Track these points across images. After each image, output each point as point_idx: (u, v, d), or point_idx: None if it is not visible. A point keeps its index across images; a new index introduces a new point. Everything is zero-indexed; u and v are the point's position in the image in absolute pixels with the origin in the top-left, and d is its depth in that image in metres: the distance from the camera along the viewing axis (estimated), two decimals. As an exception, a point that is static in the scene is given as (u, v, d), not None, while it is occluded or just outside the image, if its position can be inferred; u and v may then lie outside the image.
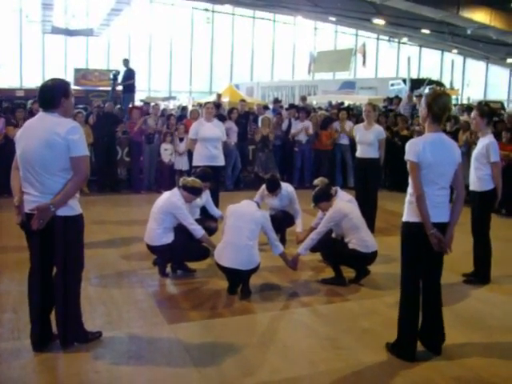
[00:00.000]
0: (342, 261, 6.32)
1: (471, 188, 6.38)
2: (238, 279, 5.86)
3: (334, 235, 6.58)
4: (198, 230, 6.26)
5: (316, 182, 7.12)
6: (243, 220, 5.86)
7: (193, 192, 6.43)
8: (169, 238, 6.25)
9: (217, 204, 7.98)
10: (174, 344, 4.68)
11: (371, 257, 6.28)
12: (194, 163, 8.71)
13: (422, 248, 4.35)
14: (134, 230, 8.20)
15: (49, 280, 4.37)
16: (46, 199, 4.12)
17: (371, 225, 8.54)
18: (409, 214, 4.40)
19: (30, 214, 4.15)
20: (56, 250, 4.27)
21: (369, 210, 8.58)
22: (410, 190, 4.41)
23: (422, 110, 4.44)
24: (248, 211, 5.99)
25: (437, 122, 4.38)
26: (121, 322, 5.09)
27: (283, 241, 7.58)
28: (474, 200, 6.40)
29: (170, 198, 6.34)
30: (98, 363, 4.28)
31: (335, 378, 4.18)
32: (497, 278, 6.47)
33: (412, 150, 4.31)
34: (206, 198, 7.26)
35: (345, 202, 6.59)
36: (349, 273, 6.36)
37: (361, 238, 6.21)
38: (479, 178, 6.31)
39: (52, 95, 4.22)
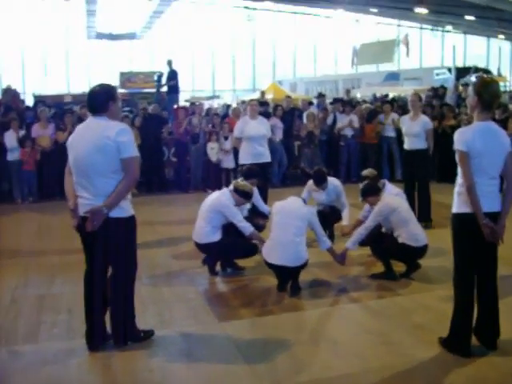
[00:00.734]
0: (391, 255, 6.25)
1: None
2: (287, 276, 5.86)
3: (383, 230, 6.52)
4: (247, 228, 6.28)
5: (365, 172, 7.05)
6: (290, 217, 5.85)
7: (244, 196, 6.45)
8: (217, 236, 6.30)
9: (265, 201, 7.99)
10: (225, 342, 4.71)
11: (422, 251, 6.19)
12: (240, 161, 8.75)
13: (474, 239, 4.24)
14: (182, 230, 8.27)
15: (104, 281, 4.45)
16: (98, 202, 4.21)
17: (427, 217, 8.42)
18: (459, 205, 4.30)
19: (85, 217, 4.25)
20: (110, 252, 4.35)
21: (423, 203, 8.47)
22: (459, 180, 4.31)
23: (471, 98, 4.30)
24: (294, 208, 5.98)
25: (486, 110, 4.26)
26: (172, 321, 5.16)
27: (331, 236, 7.53)
28: None
29: (220, 197, 6.39)
30: (152, 362, 4.34)
31: (388, 374, 4.13)
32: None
33: (461, 139, 4.22)
34: (254, 195, 7.28)
35: (393, 196, 6.52)
36: (399, 267, 6.28)
37: (410, 232, 6.12)
38: None
39: (100, 100, 4.32)
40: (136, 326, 4.62)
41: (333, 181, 7.70)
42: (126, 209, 4.37)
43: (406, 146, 8.78)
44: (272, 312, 5.38)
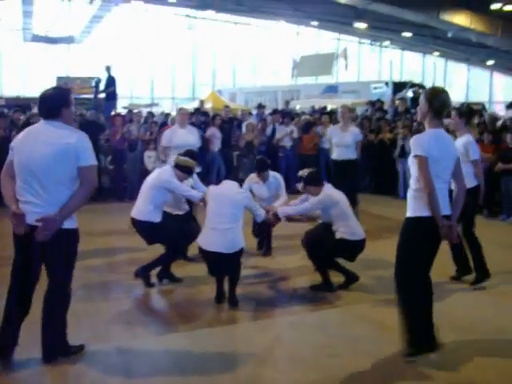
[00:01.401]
0: (331, 253, 6.22)
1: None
2: (223, 266, 5.76)
3: (320, 221, 6.52)
4: (195, 194, 6.22)
5: (301, 172, 7.01)
6: (224, 205, 5.76)
7: (185, 170, 6.37)
8: (157, 218, 6.17)
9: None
10: (162, 355, 4.60)
11: (360, 244, 6.22)
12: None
13: (430, 242, 4.41)
14: (118, 239, 8.11)
15: (31, 291, 4.26)
16: (51, 210, 4.01)
17: None
18: (417, 209, 4.41)
19: (33, 226, 4.02)
20: (53, 264, 4.18)
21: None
22: (414, 185, 4.45)
23: (422, 106, 4.50)
24: (229, 195, 5.85)
25: (437, 118, 4.47)
26: (107, 335, 5.00)
27: (268, 248, 7.53)
28: None
29: (161, 173, 6.30)
30: (86, 378, 4.19)
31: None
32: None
33: (419, 145, 4.37)
34: (194, 177, 7.14)
35: (335, 190, 6.46)
36: (338, 278, 6.31)
37: (349, 226, 6.16)
38: None
39: (52, 104, 4.14)
40: (66, 340, 4.45)
41: (274, 174, 7.66)
42: (75, 219, 4.23)
43: (336, 156, 8.95)
44: (210, 325, 5.30)
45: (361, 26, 30.76)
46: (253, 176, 7.58)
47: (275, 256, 7.46)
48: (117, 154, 12.24)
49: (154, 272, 6.40)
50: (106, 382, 4.17)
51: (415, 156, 4.38)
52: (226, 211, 5.72)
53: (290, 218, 6.53)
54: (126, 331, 5.09)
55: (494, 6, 22.37)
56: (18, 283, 4.26)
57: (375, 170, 13.25)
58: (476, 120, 12.26)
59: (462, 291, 6.28)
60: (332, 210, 6.21)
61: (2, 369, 4.24)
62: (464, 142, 6.32)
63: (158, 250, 6.38)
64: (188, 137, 8.57)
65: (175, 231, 6.31)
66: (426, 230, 4.38)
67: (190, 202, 6.94)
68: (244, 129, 13.29)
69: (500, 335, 5.08)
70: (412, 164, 4.46)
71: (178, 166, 6.36)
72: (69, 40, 35.14)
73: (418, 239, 4.42)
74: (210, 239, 5.71)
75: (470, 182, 6.27)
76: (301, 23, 39.77)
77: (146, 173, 11.87)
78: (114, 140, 12.19)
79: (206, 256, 5.79)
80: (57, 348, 4.35)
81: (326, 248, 6.21)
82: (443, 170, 4.41)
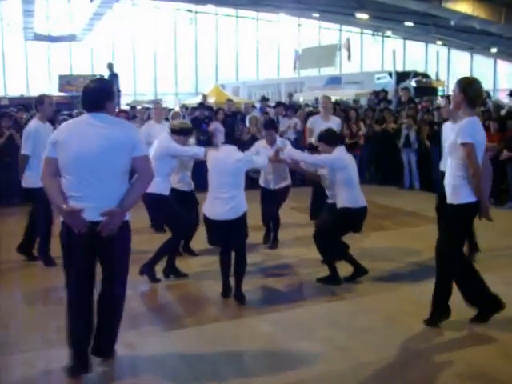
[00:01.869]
0: (336, 226, 6.13)
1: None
2: (230, 233, 5.72)
3: (325, 182, 6.43)
4: (198, 151, 6.11)
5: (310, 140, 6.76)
6: (225, 175, 5.70)
7: (183, 133, 6.32)
8: (166, 190, 6.13)
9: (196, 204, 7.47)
10: (170, 351, 4.58)
11: (362, 211, 6.15)
12: None
13: (469, 224, 4.89)
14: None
15: (91, 301, 4.16)
16: (110, 204, 3.88)
17: None
18: (466, 196, 4.61)
19: (94, 222, 3.88)
20: (122, 258, 4.14)
21: None
22: (461, 172, 4.61)
23: (457, 95, 4.66)
24: (229, 164, 5.73)
25: (472, 106, 4.65)
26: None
27: (275, 240, 7.51)
28: None
29: (159, 143, 6.23)
30: (91, 374, 4.15)
31: (337, 380, 4.11)
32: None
33: (467, 133, 4.53)
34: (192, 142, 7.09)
35: (347, 154, 6.34)
36: (345, 271, 6.28)
37: (352, 193, 6.09)
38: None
39: (98, 97, 4.02)
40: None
41: (282, 139, 7.62)
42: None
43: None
44: (217, 319, 5.27)
45: (363, 16, 30.65)
46: (261, 141, 7.58)
47: (281, 249, 7.43)
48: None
49: (160, 268, 6.38)
50: (113, 378, 4.16)
51: (465, 144, 4.49)
52: (227, 180, 5.69)
53: (294, 165, 6.51)
54: (132, 327, 5.06)
55: (497, -7, 22.25)
56: (83, 294, 4.11)
57: (380, 160, 13.20)
58: (481, 108, 12.17)
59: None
60: (339, 174, 6.10)
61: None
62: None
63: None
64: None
65: (181, 212, 6.29)
66: (473, 215, 4.72)
67: (195, 200, 6.92)
68: (248, 122, 13.23)
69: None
70: (455, 151, 4.63)
71: (174, 131, 6.30)
72: (70, 38, 35.13)
73: (466, 223, 4.79)
74: (213, 208, 5.70)
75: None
76: (302, 15, 39.66)
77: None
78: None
79: (211, 224, 5.77)
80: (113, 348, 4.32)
81: (331, 221, 6.16)
82: (479, 155, 4.58)
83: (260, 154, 6.32)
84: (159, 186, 5.94)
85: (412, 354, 4.47)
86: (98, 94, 4.04)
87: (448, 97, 6.55)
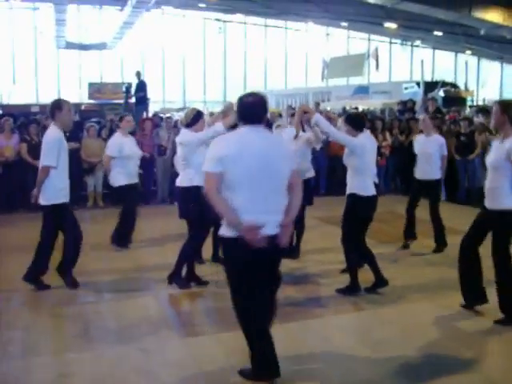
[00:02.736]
0: (347, 215, 6.18)
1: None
2: None
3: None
4: (218, 128, 5.92)
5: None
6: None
7: (195, 119, 6.32)
8: (200, 180, 6.11)
9: None
10: (187, 358, 4.62)
11: (371, 200, 6.11)
12: (117, 183, 8.05)
13: None
14: (151, 242, 8.19)
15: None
16: (281, 216, 3.90)
17: None
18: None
19: (271, 236, 3.84)
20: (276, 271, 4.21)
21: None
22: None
23: (498, 117, 5.02)
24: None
25: None
26: (132, 337, 5.02)
27: (297, 250, 7.48)
28: None
29: (182, 138, 6.27)
30: (109, 379, 4.22)
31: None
32: None
33: None
34: None
35: (371, 141, 6.34)
36: (365, 282, 6.25)
37: (363, 180, 6.07)
38: None
39: (259, 111, 3.99)
40: None
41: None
42: None
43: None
44: (235, 328, 5.28)
45: (391, 25, 30.55)
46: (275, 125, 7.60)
47: (303, 258, 7.43)
48: (146, 158, 12.28)
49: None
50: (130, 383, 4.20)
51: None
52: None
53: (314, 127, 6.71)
54: (151, 334, 5.11)
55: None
56: (260, 314, 4.22)
57: (405, 170, 13.09)
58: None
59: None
60: (354, 159, 6.10)
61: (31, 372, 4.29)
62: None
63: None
64: (135, 147, 8.35)
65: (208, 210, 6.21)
66: None
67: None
68: (273, 131, 13.24)
69: None
70: (504, 167, 5.01)
71: (187, 125, 6.32)
72: (101, 46, 35.65)
73: None
74: None
75: None
76: (330, 24, 39.69)
77: (176, 176, 11.94)
78: (143, 144, 12.25)
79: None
80: None
81: (344, 213, 6.19)
82: None
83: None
84: (195, 177, 6.03)
85: (432, 366, 4.43)
86: (261, 108, 4.00)
87: (427, 110, 6.68)
